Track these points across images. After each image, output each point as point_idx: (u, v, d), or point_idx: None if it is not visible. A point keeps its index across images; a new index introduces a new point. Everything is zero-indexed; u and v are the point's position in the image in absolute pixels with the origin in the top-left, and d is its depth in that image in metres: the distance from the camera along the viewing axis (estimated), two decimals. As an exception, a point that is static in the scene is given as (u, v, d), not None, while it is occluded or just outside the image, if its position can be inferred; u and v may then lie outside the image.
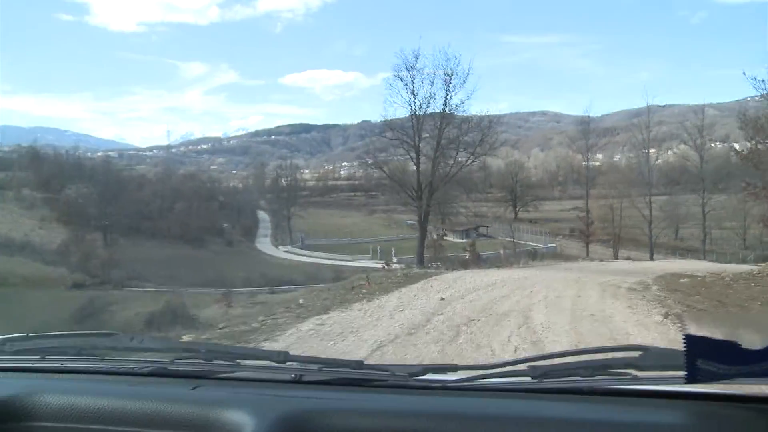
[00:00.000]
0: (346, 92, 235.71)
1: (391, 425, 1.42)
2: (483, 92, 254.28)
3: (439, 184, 43.57)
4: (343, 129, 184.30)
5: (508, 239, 57.37)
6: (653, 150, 67.85)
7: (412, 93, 44.07)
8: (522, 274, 17.86)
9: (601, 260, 30.15)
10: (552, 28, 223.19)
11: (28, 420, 1.60)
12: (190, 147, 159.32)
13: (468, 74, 43.25)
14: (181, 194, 69.45)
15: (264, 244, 71.79)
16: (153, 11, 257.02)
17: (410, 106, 44.39)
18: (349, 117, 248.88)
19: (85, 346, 1.99)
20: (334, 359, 1.82)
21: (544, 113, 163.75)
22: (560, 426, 1.35)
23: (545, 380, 1.51)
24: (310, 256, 59.91)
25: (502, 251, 41.69)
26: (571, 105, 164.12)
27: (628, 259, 35.08)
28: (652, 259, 42.83)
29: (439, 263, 26.82)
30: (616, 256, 52.22)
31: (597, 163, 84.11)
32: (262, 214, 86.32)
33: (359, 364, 1.73)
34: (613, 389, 1.48)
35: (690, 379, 1.21)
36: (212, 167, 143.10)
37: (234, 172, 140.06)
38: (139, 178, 74.22)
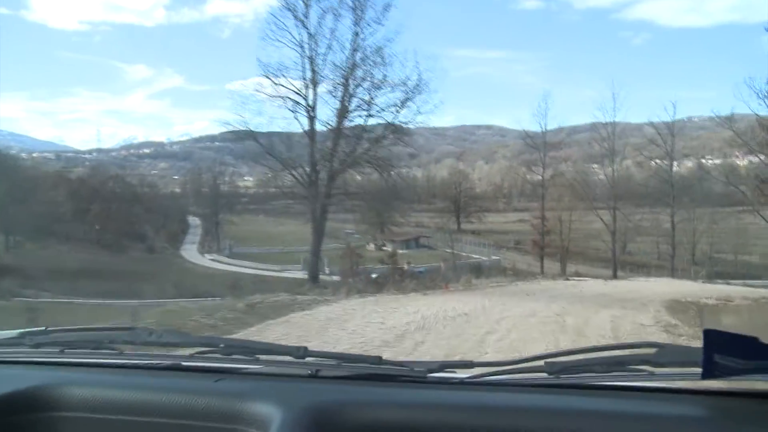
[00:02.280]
0: (291, 99, 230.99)
1: (409, 418, 1.41)
2: (429, 105, 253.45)
3: (344, 164, 29.47)
4: (287, 136, 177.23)
5: (449, 251, 54.13)
6: (596, 165, 67.12)
7: (305, 27, 29.16)
8: (462, 307, 12.39)
9: (567, 279, 24.05)
10: (500, 44, 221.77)
11: (50, 410, 1.59)
12: (131, 151, 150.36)
13: (389, 5, 29.63)
14: (100, 195, 62.11)
15: (190, 252, 66.68)
16: (96, 10, 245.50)
17: (301, 47, 28.88)
18: (294, 124, 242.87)
19: (103, 341, 1.93)
20: (353, 354, 1.79)
21: (489, 127, 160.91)
22: (577, 419, 1.34)
23: (562, 376, 1.47)
24: (235, 265, 55.90)
25: (441, 264, 36.61)
26: (517, 120, 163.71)
27: (595, 278, 28.98)
28: (615, 276, 37.62)
29: (350, 279, 20.40)
30: (564, 271, 48.73)
31: (539, 177, 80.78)
32: (195, 221, 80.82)
33: (378, 360, 1.68)
34: (629, 386, 1.44)
35: (706, 375, 1.20)
36: (153, 172, 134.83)
37: (176, 177, 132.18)
38: (54, 178, 66.28)
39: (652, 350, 1.41)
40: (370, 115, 29.50)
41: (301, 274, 46.03)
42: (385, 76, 28.87)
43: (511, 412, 1.38)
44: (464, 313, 11.31)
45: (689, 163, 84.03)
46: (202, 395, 1.53)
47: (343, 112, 28.91)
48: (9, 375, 1.75)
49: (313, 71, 29.12)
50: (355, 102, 29.16)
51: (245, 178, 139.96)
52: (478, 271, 24.54)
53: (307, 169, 29.57)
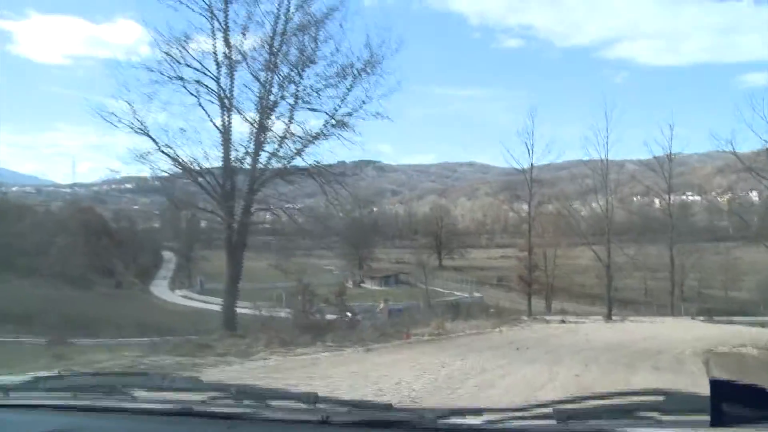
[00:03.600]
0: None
1: None
2: (415, 142, 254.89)
3: (270, 174, 22.16)
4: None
5: (429, 288, 51.50)
6: (577, 201, 65.43)
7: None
8: (414, 380, 7.96)
9: (563, 321, 19.75)
10: (481, 82, 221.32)
11: None
12: (113, 186, 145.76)
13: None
14: (68, 228, 58.34)
15: (160, 287, 63.34)
16: (79, 44, 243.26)
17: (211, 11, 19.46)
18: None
19: (116, 385, 1.94)
20: (363, 401, 1.79)
21: (471, 164, 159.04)
22: None
23: (570, 423, 1.43)
24: (205, 302, 52.03)
25: (421, 304, 33.44)
26: (498, 157, 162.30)
27: (590, 317, 25.07)
28: (611, 315, 34.42)
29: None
30: (549, 308, 46.37)
31: (524, 213, 78.91)
32: (169, 255, 77.88)
33: (387, 406, 1.68)
34: None
35: (715, 422, 1.19)
36: (134, 207, 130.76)
37: (157, 212, 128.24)
38: (18, 209, 62.54)
39: (661, 397, 1.38)
40: (307, 104, 21.10)
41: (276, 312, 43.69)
42: (326, 54, 20.63)
43: None
44: (411, 395, 7.03)
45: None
46: None
47: (265, 100, 20.63)
48: (23, 421, 1.74)
49: (228, 44, 20.18)
50: (283, 90, 21.00)
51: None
52: (456, 310, 21.04)
53: (219, 178, 21.74)
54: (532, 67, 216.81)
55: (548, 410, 1.47)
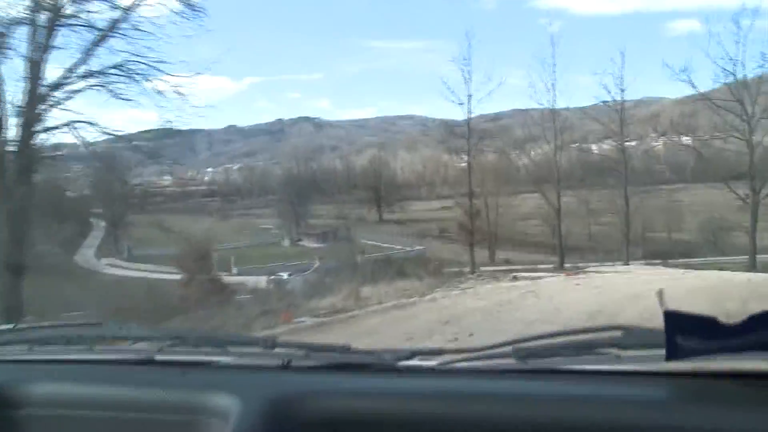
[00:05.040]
0: (213, 97, 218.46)
1: (378, 407, 1.38)
2: (354, 97, 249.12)
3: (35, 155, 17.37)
4: (208, 134, 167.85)
5: (370, 242, 48.48)
6: (517, 151, 64.34)
7: None
8: None
9: (515, 277, 14.72)
10: (416, 34, 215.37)
11: (17, 408, 1.54)
12: (44, 152, 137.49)
13: None
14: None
15: (86, 256, 59.51)
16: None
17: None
18: (216, 122, 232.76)
19: (72, 337, 1.88)
20: (322, 344, 1.77)
21: (410, 117, 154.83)
22: (544, 404, 1.31)
23: (529, 361, 1.43)
24: (132, 269, 49.95)
25: (365, 256, 30.26)
26: (437, 109, 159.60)
27: (545, 270, 21.14)
28: (563, 265, 31.83)
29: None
30: (492, 258, 43.73)
31: (463, 164, 76.76)
32: (100, 223, 72.14)
33: (346, 349, 1.65)
34: (595, 369, 1.40)
35: (670, 356, 1.18)
36: (66, 174, 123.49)
37: (91, 179, 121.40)
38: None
39: (619, 333, 1.37)
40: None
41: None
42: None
43: (478, 399, 1.34)
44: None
45: (605, 146, 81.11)
46: (171, 388, 1.50)
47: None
48: None
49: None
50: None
51: (165, 177, 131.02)
52: (387, 267, 17.22)
53: None
54: (466, 19, 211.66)
55: (508, 349, 1.45)
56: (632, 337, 1.35)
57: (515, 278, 13.90)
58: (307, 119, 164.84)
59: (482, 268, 32.12)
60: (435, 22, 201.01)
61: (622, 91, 38.99)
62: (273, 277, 31.95)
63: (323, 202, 72.48)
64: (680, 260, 32.50)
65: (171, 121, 18.52)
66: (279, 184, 72.84)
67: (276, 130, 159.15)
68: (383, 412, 1.34)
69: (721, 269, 23.46)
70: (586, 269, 17.31)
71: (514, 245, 49.93)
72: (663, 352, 1.16)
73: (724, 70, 32.11)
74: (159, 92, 16.61)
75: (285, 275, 32.86)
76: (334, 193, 75.32)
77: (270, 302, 11.24)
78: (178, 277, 40.01)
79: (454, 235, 47.74)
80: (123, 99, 17.18)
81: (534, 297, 10.42)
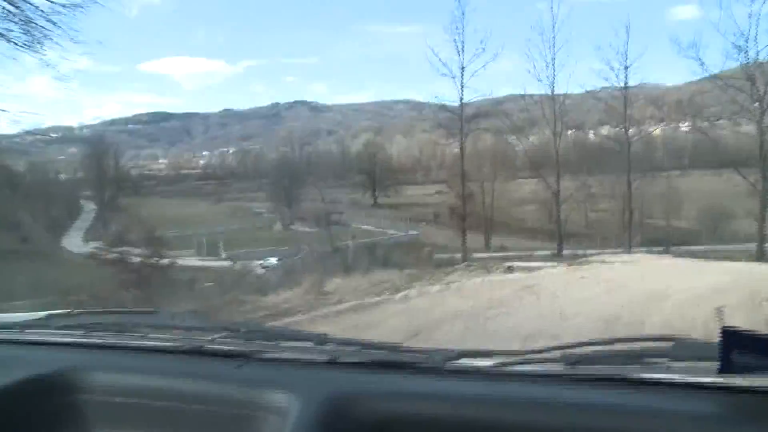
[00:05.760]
0: (209, 80, 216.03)
1: (425, 408, 1.38)
2: (350, 81, 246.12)
3: None
4: (204, 118, 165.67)
5: (363, 227, 47.05)
6: (514, 136, 62.95)
7: None
8: None
9: (510, 269, 12.30)
10: (415, 19, 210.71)
11: (74, 394, 1.58)
12: (37, 136, 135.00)
13: None
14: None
15: (74, 240, 57.53)
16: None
17: None
18: (211, 105, 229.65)
19: (127, 324, 1.93)
20: (372, 341, 1.73)
21: (407, 102, 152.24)
22: (592, 412, 1.30)
23: (578, 367, 1.41)
24: (119, 253, 45.24)
25: (350, 242, 28.71)
26: (434, 94, 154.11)
27: (543, 260, 18.92)
28: (561, 252, 30.23)
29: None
30: (488, 245, 42.19)
31: (458, 149, 75.49)
32: (91, 206, 70.38)
33: (395, 347, 1.67)
34: (645, 378, 1.36)
35: (723, 370, 1.16)
36: (60, 157, 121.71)
37: (88, 162, 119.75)
38: None
39: (670, 343, 1.35)
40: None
41: (194, 260, 39.12)
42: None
43: (526, 404, 1.34)
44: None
45: (604, 131, 79.88)
46: (224, 381, 1.51)
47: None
48: (34, 357, 1.74)
49: None
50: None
51: (160, 161, 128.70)
52: (372, 255, 15.46)
53: None
54: (465, 3, 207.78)
55: (557, 354, 1.46)
56: (683, 349, 1.33)
57: (510, 269, 11.67)
58: (303, 103, 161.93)
59: (476, 255, 30.45)
60: (433, 6, 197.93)
61: (626, 68, 36.54)
62: (261, 262, 30.58)
63: (318, 186, 71.04)
64: (683, 248, 31.00)
65: None
66: (272, 167, 71.04)
67: (272, 114, 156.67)
68: (429, 413, 1.34)
69: (728, 258, 22.14)
70: (589, 258, 15.31)
71: (510, 231, 48.50)
72: (716, 365, 1.14)
73: (735, 46, 29.71)
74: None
75: (274, 260, 31.58)
76: (328, 177, 73.69)
77: (227, 292, 9.52)
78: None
79: (447, 220, 46.20)
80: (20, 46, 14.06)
81: (532, 295, 8.35)
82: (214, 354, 1.65)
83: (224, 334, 1.75)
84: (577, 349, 1.45)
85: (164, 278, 17.83)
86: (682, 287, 8.39)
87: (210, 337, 1.72)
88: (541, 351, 1.49)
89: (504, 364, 1.46)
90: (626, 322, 6.13)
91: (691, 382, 1.27)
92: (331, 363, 1.56)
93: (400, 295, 8.72)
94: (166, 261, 19.60)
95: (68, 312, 2.03)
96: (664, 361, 1.33)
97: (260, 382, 1.48)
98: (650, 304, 7.09)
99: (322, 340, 1.67)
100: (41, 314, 1.98)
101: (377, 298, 8.51)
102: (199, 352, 1.67)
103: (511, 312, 7.30)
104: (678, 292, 7.96)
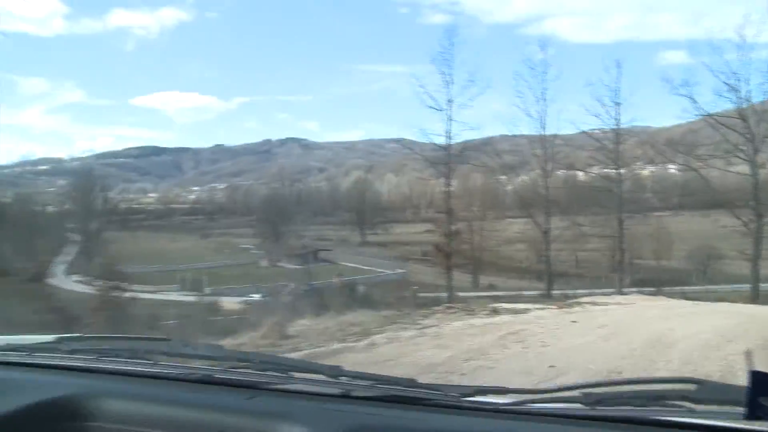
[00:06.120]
0: (201, 116, 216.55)
1: None
2: (342, 119, 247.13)
3: None
4: (195, 153, 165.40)
5: (351, 265, 46.20)
6: (505, 177, 62.83)
7: None
8: None
9: (495, 311, 10.54)
10: (406, 59, 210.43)
11: (84, 420, 1.56)
12: (27, 168, 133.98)
13: None
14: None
15: (56, 272, 56.01)
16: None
17: None
18: (203, 141, 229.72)
19: (139, 350, 1.90)
20: (386, 376, 1.70)
21: (398, 140, 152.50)
22: None
23: (598, 408, 1.37)
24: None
25: (335, 279, 27.92)
26: (424, 133, 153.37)
27: (533, 302, 17.38)
28: (550, 291, 29.47)
29: None
30: (476, 284, 41.43)
31: (452, 188, 75.26)
32: (76, 239, 69.13)
33: (411, 382, 1.61)
34: (667, 421, 1.33)
35: (749, 415, 1.14)
36: (49, 189, 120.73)
37: (74, 194, 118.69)
38: None
39: (693, 386, 1.31)
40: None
41: (176, 296, 38.66)
42: None
43: None
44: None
45: (593, 173, 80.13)
46: (235, 412, 1.49)
47: None
48: (45, 381, 1.71)
49: None
50: None
51: (150, 195, 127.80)
52: (352, 294, 14.46)
53: None
54: (458, 43, 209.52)
55: (576, 393, 1.41)
56: (707, 392, 1.29)
57: (495, 311, 10.41)
58: (295, 140, 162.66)
59: (463, 294, 29.51)
60: (426, 47, 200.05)
61: (617, 104, 36.13)
62: (245, 298, 29.81)
63: (306, 223, 70.36)
64: (676, 288, 30.20)
65: None
66: (261, 203, 70.23)
67: (264, 150, 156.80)
68: None
69: (722, 299, 21.54)
70: (579, 299, 14.22)
71: (499, 270, 47.81)
72: (740, 409, 1.11)
73: (727, 84, 29.44)
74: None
75: (257, 296, 30.80)
76: (317, 214, 72.89)
77: (186, 331, 8.58)
78: (144, 295, 38.14)
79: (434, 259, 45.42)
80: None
81: (518, 343, 7.29)
82: (226, 384, 1.62)
83: (236, 363, 1.73)
84: (597, 389, 1.40)
85: (122, 313, 17.03)
86: (686, 333, 7.47)
87: (222, 367, 1.70)
88: (559, 390, 1.45)
89: (522, 402, 1.42)
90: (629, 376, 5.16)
91: (716, 426, 1.21)
92: (345, 396, 1.52)
93: (365, 341, 7.50)
94: (127, 295, 18.86)
95: (79, 336, 1.98)
96: (687, 404, 1.28)
97: (272, 414, 1.45)
98: (654, 354, 6.17)
99: (335, 372, 1.62)
100: (52, 337, 1.95)
101: (338, 345, 7.41)
102: (210, 382, 1.64)
103: (493, 364, 6.29)
104: (683, 339, 7.03)
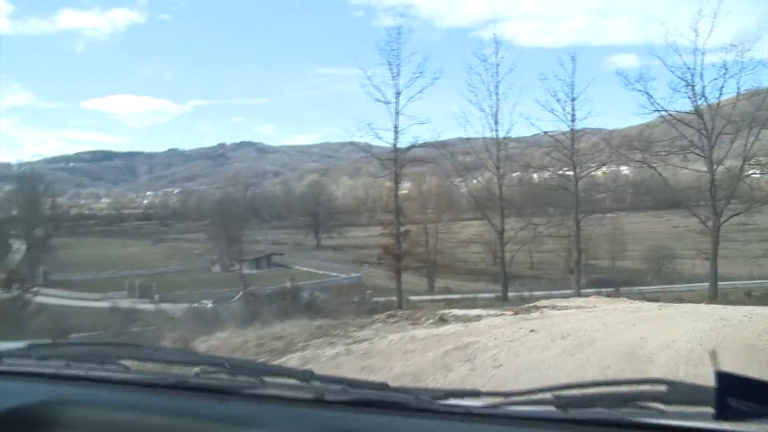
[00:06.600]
0: (154, 119, 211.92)
1: None
2: (297, 123, 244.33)
3: None
4: (149, 157, 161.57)
5: (304, 269, 44.80)
6: (460, 179, 62.43)
7: None
8: None
9: (442, 319, 9.03)
10: (363, 62, 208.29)
11: (53, 428, 1.54)
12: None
13: None
14: None
15: None
16: None
17: None
18: (157, 145, 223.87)
19: (109, 356, 1.86)
20: (358, 380, 1.69)
21: (353, 144, 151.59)
22: None
23: (570, 410, 1.38)
24: (46, 295, 42.78)
25: (288, 283, 26.60)
26: (372, 129, 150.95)
27: (484, 305, 16.24)
28: (506, 295, 28.60)
29: None
30: (432, 287, 40.38)
31: (405, 191, 74.38)
32: (21, 246, 65.85)
33: (383, 386, 1.62)
34: (638, 422, 1.33)
35: (718, 416, 1.14)
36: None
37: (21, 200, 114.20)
38: None
39: (663, 387, 1.31)
40: None
41: (127, 302, 36.18)
42: None
43: None
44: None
45: (547, 174, 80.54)
46: (206, 418, 1.48)
47: None
48: (14, 388, 1.70)
49: None
50: None
51: (102, 200, 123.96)
52: (295, 300, 13.19)
53: None
54: (410, 47, 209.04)
55: (548, 395, 1.40)
56: (677, 393, 1.30)
57: (442, 320, 9.11)
58: (250, 144, 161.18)
59: (417, 297, 28.39)
60: (377, 49, 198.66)
61: (573, 100, 35.15)
62: (195, 305, 28.35)
63: (261, 227, 68.66)
64: (633, 288, 29.69)
65: None
66: (214, 208, 68.19)
67: (218, 155, 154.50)
68: None
69: (680, 299, 20.94)
70: (537, 303, 13.06)
71: (455, 273, 47.38)
72: (710, 410, 1.12)
73: (682, 79, 28.76)
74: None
75: (209, 303, 29.26)
76: (272, 218, 71.20)
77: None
78: (94, 303, 36.25)
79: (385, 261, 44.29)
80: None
81: (465, 362, 5.94)
82: (197, 389, 1.59)
83: (207, 368, 1.70)
84: (569, 391, 1.39)
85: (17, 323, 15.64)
86: (660, 342, 6.43)
87: (193, 371, 1.67)
88: (531, 392, 1.43)
89: (494, 405, 1.41)
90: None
91: (686, 427, 1.23)
92: (317, 401, 1.50)
93: (279, 361, 6.11)
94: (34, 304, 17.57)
95: (49, 342, 1.95)
96: (659, 405, 1.29)
97: (243, 419, 1.43)
98: (630, 371, 5.09)
99: (307, 376, 1.60)
100: (21, 344, 1.91)
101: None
102: (182, 387, 1.61)
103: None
104: (659, 350, 5.99)
